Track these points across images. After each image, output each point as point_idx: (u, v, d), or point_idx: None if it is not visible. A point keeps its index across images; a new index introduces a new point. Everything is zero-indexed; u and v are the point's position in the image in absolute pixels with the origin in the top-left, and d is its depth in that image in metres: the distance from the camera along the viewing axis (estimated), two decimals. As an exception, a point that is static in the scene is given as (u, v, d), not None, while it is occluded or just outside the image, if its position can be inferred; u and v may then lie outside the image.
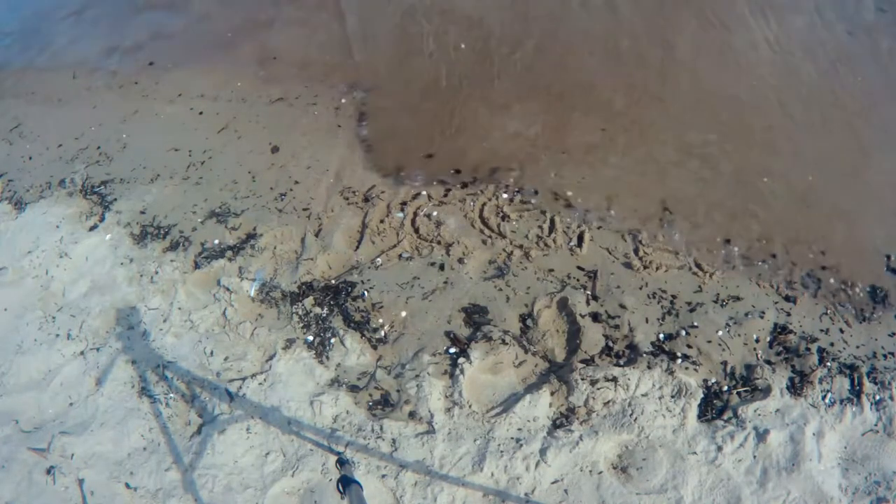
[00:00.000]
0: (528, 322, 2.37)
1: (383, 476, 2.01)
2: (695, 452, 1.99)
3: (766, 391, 2.12)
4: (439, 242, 2.68)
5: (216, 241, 2.82)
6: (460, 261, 2.59)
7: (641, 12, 3.64)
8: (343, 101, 3.48)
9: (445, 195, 2.88)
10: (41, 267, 2.84)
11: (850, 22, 3.43)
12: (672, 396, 2.11)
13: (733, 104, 3.12)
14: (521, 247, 2.62)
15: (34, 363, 2.48)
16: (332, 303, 2.50)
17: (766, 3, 3.57)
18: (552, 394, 2.16)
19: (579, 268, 2.54)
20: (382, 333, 2.40)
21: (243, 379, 2.29)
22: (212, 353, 2.39)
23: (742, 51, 3.37)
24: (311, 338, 2.40)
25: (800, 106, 3.08)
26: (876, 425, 2.04)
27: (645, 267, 2.51)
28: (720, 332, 2.29)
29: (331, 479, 2.02)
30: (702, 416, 2.09)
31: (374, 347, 2.36)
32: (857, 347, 2.25)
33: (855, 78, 3.17)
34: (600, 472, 1.98)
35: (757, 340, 2.27)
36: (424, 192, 2.90)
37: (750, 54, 3.34)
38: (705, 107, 3.13)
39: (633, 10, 3.66)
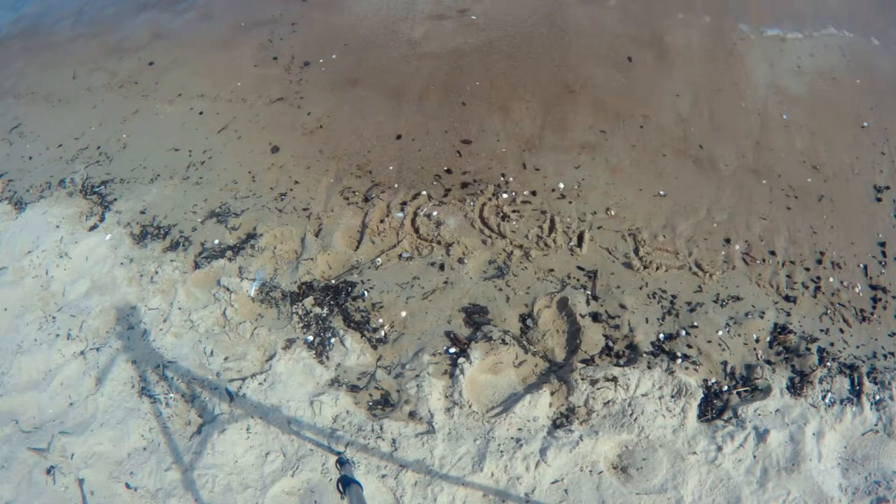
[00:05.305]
0: (528, 322, 2.37)
1: (383, 476, 2.01)
2: (695, 452, 1.99)
3: (766, 391, 2.11)
4: (439, 242, 2.68)
5: (216, 241, 2.81)
6: (460, 261, 2.59)
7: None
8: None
9: (445, 195, 2.88)
10: (41, 267, 2.83)
11: None
12: (672, 396, 2.10)
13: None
14: (521, 247, 2.62)
15: (34, 363, 2.48)
16: (332, 303, 2.50)
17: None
18: (552, 394, 2.15)
19: (579, 268, 2.54)
20: (382, 333, 2.40)
21: (243, 379, 2.29)
22: (212, 352, 2.39)
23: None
24: (311, 338, 2.40)
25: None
26: (876, 425, 2.04)
27: (645, 267, 2.51)
28: (720, 332, 2.28)
29: (331, 479, 2.02)
30: (702, 416, 2.09)
31: (374, 347, 2.36)
32: (857, 347, 2.25)
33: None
34: (600, 472, 1.98)
35: (757, 340, 2.27)
36: (424, 192, 2.90)
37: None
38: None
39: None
